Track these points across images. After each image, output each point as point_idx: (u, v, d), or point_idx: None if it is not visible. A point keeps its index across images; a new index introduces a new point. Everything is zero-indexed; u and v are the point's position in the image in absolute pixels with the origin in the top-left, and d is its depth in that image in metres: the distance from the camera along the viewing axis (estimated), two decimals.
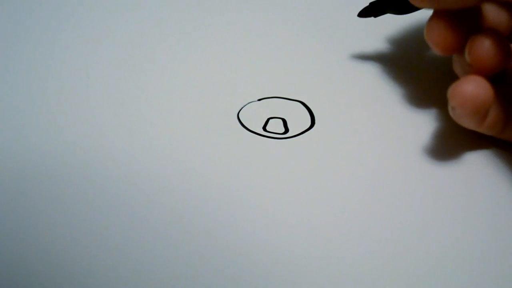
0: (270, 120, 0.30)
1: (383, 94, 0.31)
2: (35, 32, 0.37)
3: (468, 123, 0.27)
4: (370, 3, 0.31)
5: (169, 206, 0.25)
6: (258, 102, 0.31)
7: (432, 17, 0.27)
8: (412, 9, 0.29)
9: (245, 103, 0.31)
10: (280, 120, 0.30)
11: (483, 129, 0.27)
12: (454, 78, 0.26)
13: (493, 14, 0.27)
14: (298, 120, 0.30)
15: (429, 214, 0.25)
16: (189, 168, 0.27)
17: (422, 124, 0.29)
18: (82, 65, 0.34)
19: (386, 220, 0.25)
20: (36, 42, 0.36)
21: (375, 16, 0.31)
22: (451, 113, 0.26)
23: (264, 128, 0.29)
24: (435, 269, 0.23)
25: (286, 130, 0.29)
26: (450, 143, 0.29)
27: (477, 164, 0.27)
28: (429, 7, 0.26)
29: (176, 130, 0.29)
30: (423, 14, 0.28)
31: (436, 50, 0.27)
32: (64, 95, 0.32)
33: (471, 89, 0.25)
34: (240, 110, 0.30)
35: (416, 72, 0.32)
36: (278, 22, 0.38)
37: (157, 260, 0.23)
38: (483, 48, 0.25)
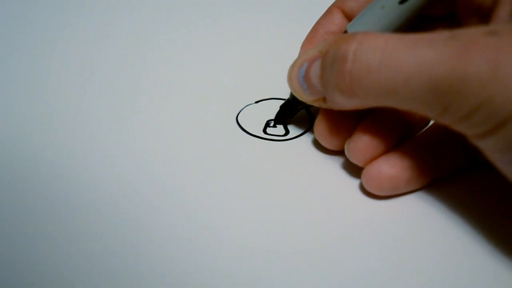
0: (270, 122, 0.30)
1: None
2: (34, 32, 0.37)
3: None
4: (280, 107, 0.29)
5: (169, 211, 0.25)
6: (256, 104, 0.31)
7: (318, 118, 0.27)
8: None
9: (243, 106, 0.31)
10: (282, 123, 0.30)
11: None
12: None
13: None
14: (297, 121, 0.30)
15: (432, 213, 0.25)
16: (190, 173, 0.27)
17: None
18: (80, 68, 0.34)
19: (389, 220, 0.25)
20: (35, 41, 0.36)
21: (291, 117, 0.29)
22: None
23: (264, 130, 0.29)
24: None
25: (287, 132, 0.29)
26: None
27: None
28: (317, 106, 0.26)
29: (175, 135, 0.29)
30: None
31: (324, 145, 0.27)
32: (62, 97, 0.32)
33: (377, 176, 0.25)
34: (238, 113, 0.30)
35: None
36: (273, 24, 0.38)
37: (153, 263, 0.23)
38: (356, 154, 0.25)
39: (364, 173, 0.25)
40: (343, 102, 0.24)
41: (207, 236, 0.24)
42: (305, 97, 0.26)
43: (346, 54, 0.22)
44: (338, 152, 0.27)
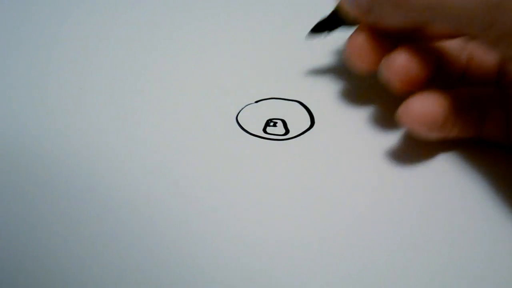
0: (270, 122, 0.30)
1: (380, 90, 0.31)
2: (34, 31, 0.37)
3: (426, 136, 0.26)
4: (318, 23, 0.29)
5: (169, 211, 0.25)
6: (256, 104, 0.31)
7: (355, 31, 0.27)
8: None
9: (243, 106, 0.31)
10: (280, 121, 0.30)
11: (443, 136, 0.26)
12: None
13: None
14: (297, 120, 0.30)
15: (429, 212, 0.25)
16: (191, 173, 0.27)
17: None
18: (79, 68, 0.34)
19: (390, 219, 0.25)
20: (35, 41, 0.36)
21: (329, 31, 0.29)
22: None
23: (264, 130, 0.29)
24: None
25: (287, 131, 0.29)
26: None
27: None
28: (362, 21, 0.26)
29: (175, 135, 0.29)
30: None
31: (355, 67, 0.27)
32: (62, 98, 0.32)
33: (418, 109, 0.25)
34: (238, 113, 0.30)
35: None
36: (273, 24, 0.38)
37: (154, 263, 0.23)
38: (393, 70, 0.25)
39: (406, 106, 0.25)
40: (389, 14, 0.24)
41: (207, 236, 0.24)
42: (350, 10, 0.26)
43: None
44: (339, 150, 0.27)
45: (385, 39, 0.26)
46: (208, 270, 0.23)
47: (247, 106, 0.31)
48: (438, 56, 0.27)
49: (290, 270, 0.23)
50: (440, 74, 0.27)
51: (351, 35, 0.27)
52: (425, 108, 0.25)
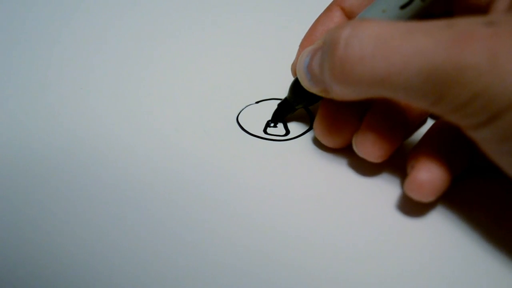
0: (270, 122, 0.30)
1: None
2: (35, 31, 0.37)
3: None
4: (278, 105, 0.29)
5: (169, 211, 0.25)
6: (256, 104, 0.31)
7: (317, 116, 0.27)
8: (317, 99, 0.27)
9: (243, 106, 0.31)
10: (280, 122, 0.30)
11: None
12: None
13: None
14: (297, 120, 0.30)
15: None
16: (191, 173, 0.27)
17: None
18: (80, 68, 0.34)
19: (388, 219, 0.25)
20: (37, 41, 0.36)
21: (285, 116, 0.29)
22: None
23: (264, 130, 0.29)
24: None
25: (287, 132, 0.29)
26: None
27: None
28: (322, 96, 0.26)
29: (176, 136, 0.29)
30: None
31: (325, 143, 0.27)
32: (64, 97, 0.32)
33: (427, 182, 0.23)
34: (238, 113, 0.30)
35: None
36: (273, 24, 0.38)
37: (154, 265, 0.23)
38: (367, 148, 0.25)
39: (413, 181, 0.24)
40: (340, 91, 0.23)
41: (207, 236, 0.24)
42: (311, 88, 0.26)
43: (338, 40, 0.22)
44: (339, 152, 0.27)
45: (348, 114, 0.26)
46: (206, 270, 0.23)
47: (247, 107, 0.31)
48: (405, 111, 0.26)
49: (289, 270, 0.23)
50: (409, 125, 0.27)
51: (315, 121, 0.27)
52: (433, 178, 0.23)
